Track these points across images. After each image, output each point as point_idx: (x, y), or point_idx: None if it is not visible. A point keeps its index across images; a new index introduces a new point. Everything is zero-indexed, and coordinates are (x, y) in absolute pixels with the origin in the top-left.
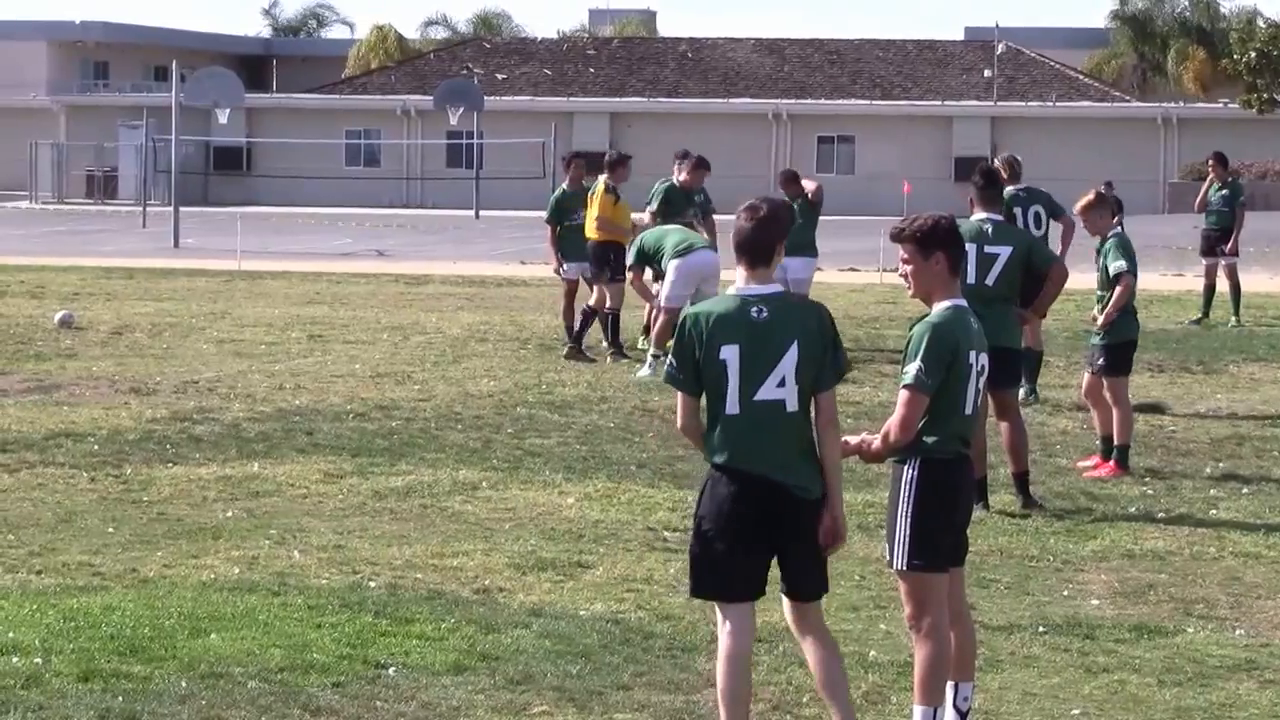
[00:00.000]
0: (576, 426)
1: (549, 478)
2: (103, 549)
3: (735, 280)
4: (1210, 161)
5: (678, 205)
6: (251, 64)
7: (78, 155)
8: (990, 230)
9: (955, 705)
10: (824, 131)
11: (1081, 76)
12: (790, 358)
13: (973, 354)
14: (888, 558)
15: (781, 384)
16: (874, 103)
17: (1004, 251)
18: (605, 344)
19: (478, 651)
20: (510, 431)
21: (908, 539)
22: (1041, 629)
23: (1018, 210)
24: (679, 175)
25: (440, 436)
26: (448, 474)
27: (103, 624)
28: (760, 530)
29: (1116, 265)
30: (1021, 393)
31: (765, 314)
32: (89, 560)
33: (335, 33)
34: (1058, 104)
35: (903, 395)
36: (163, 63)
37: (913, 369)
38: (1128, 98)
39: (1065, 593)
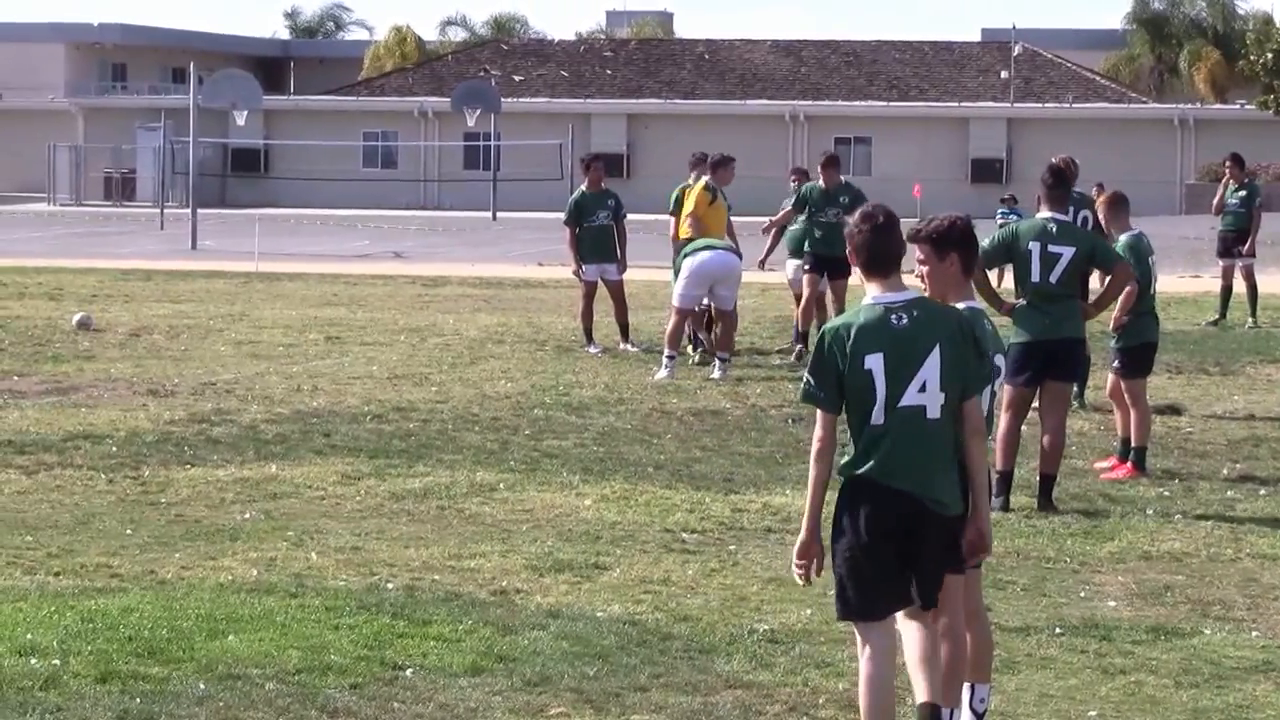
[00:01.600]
0: (594, 428)
1: (566, 479)
2: (121, 551)
3: (867, 291)
4: (1227, 163)
5: (818, 206)
6: (269, 66)
7: (96, 157)
8: (1054, 229)
9: (971, 707)
10: (841, 133)
11: (1098, 78)
12: (932, 363)
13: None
14: None
15: (922, 389)
16: (890, 104)
17: (1067, 251)
18: (695, 345)
19: (495, 653)
20: (527, 433)
21: None
22: (1058, 630)
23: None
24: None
25: (457, 438)
26: (465, 475)
27: (121, 625)
28: (898, 545)
29: None
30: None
31: (905, 321)
32: (107, 562)
33: (353, 35)
34: (1074, 105)
35: None
36: (180, 64)
37: None
38: (1145, 99)
39: (1082, 594)
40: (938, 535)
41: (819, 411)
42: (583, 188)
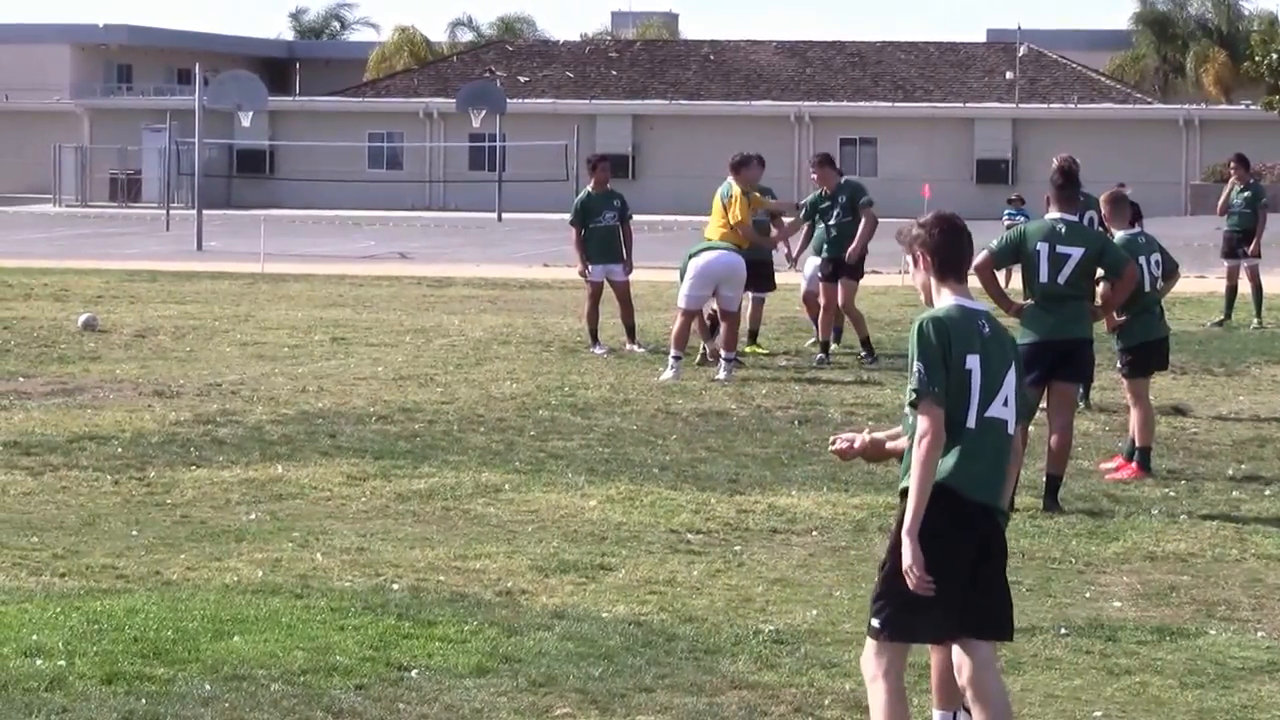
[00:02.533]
0: (599, 429)
1: (571, 480)
2: (126, 551)
3: (943, 294)
4: (1232, 163)
5: (826, 211)
6: (274, 67)
7: (101, 158)
8: (1063, 230)
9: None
10: (846, 134)
11: (1103, 78)
12: (1010, 380)
13: None
14: None
15: (1005, 404)
16: (896, 105)
17: (1075, 252)
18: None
19: (500, 654)
20: (533, 434)
21: None
22: (1063, 631)
23: None
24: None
25: (463, 439)
26: (470, 476)
27: (126, 626)
28: (973, 567)
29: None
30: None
31: (989, 331)
32: (112, 563)
33: (358, 35)
34: (1079, 106)
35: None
36: (186, 66)
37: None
38: (1150, 99)
39: (1087, 594)
40: (997, 547)
41: (929, 406)
42: (588, 188)
